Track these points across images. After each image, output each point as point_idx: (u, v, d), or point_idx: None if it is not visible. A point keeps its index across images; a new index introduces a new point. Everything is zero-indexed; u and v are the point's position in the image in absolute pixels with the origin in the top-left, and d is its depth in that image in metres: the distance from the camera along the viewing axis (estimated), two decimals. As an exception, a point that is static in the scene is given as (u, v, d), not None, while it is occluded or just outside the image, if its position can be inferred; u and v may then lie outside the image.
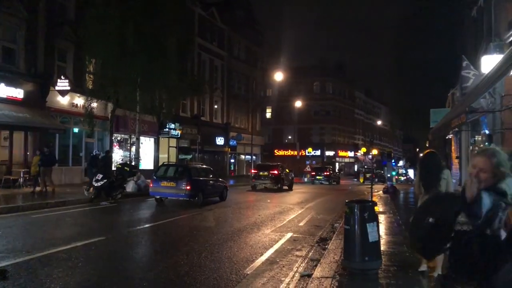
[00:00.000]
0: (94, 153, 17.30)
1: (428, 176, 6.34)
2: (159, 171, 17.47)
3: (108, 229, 10.30)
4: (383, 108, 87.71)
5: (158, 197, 16.43)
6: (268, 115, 61.80)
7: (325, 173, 39.32)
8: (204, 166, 19.58)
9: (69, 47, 22.06)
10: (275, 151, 58.89)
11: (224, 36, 40.60)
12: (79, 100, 22.07)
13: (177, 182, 15.88)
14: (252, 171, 29.24)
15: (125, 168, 17.97)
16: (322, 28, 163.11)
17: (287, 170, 29.06)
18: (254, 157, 44.18)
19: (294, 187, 29.43)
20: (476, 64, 14.29)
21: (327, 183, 38.10)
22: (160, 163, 30.59)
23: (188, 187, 15.58)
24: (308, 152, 52.78)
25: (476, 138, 16.98)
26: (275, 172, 26.70)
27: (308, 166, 48.26)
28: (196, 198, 16.04)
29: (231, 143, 39.79)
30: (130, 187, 18.72)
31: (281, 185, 26.78)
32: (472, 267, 2.58)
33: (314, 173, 39.87)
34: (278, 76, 39.45)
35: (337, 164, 63.31)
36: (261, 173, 26.91)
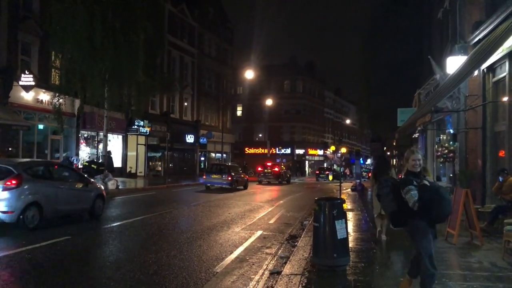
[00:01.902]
0: (72, 160, 16.41)
1: (380, 173, 8.61)
2: (209, 168, 25.24)
3: (73, 228, 10.05)
4: (352, 107, 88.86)
5: (208, 185, 23.42)
6: (239, 113, 61.71)
7: (327, 172, 48.89)
8: (236, 164, 28.17)
9: (34, 41, 21.38)
10: (246, 149, 58.83)
11: (194, 33, 40.26)
12: (44, 96, 21.43)
13: (222, 175, 23.27)
14: (258, 169, 36.03)
15: (92, 166, 17.56)
16: (292, 28, 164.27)
17: (283, 168, 35.82)
18: (224, 155, 44.02)
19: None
20: (442, 65, 14.65)
21: (329, 180, 46.34)
22: (129, 161, 30.37)
23: (229, 178, 23.11)
24: (279, 150, 53.03)
25: (441, 137, 17.45)
26: (276, 169, 33.66)
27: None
28: (233, 186, 23.22)
29: (201, 140, 39.54)
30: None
31: (281, 180, 33.22)
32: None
33: (318, 172, 50.12)
34: (249, 74, 39.46)
35: (307, 162, 63.79)
36: (265, 170, 33.76)
